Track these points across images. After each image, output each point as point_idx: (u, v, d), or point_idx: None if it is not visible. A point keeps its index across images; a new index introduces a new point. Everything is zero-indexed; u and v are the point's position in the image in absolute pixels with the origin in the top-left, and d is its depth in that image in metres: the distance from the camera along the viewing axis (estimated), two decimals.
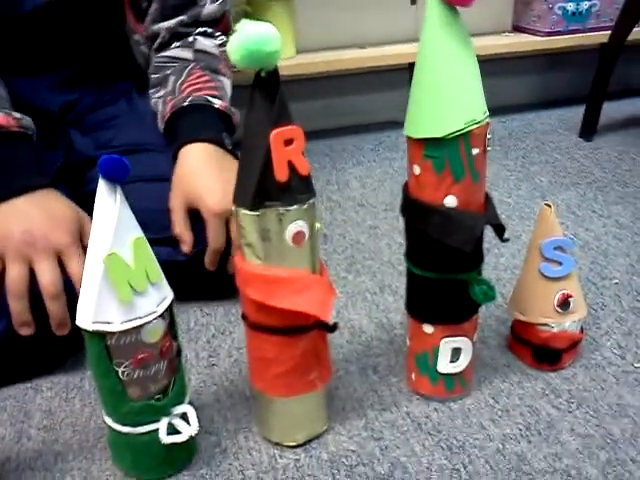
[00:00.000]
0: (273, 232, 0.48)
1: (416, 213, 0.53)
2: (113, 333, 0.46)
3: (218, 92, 0.81)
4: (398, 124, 1.45)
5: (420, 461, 0.54)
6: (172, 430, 0.51)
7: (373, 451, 0.55)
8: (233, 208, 0.50)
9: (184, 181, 0.72)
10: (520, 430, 0.57)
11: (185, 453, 0.54)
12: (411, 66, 1.37)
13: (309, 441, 0.56)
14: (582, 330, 0.65)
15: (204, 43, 0.85)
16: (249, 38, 0.43)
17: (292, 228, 0.48)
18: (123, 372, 0.48)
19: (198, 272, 0.72)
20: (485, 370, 0.64)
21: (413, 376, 0.61)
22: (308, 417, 0.56)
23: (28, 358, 0.66)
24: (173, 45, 0.85)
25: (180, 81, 0.81)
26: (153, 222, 0.70)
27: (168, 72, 0.83)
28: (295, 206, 0.48)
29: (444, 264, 0.53)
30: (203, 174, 0.71)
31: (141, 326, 0.47)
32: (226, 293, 0.78)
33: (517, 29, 1.48)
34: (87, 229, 0.63)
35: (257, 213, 0.47)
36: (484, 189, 0.53)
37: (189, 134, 0.75)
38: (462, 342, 0.58)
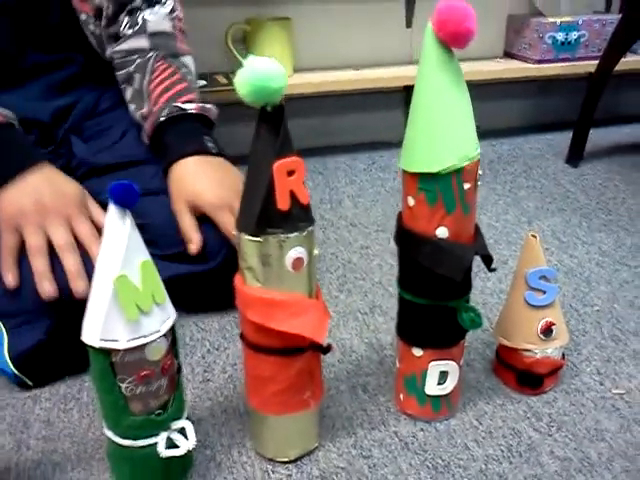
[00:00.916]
0: (274, 257, 0.50)
1: (409, 242, 0.55)
2: (119, 350, 0.48)
3: (187, 87, 0.83)
4: (391, 145, 1.49)
5: (407, 479, 0.56)
6: (170, 444, 0.53)
7: (362, 469, 0.58)
8: (235, 233, 0.52)
9: (182, 185, 0.76)
10: (502, 451, 0.59)
11: (181, 466, 0.57)
12: (406, 89, 1.41)
13: (301, 457, 0.58)
14: (563, 356, 0.68)
15: (155, 22, 0.85)
16: (256, 75, 0.46)
17: (292, 254, 0.51)
18: (126, 388, 0.50)
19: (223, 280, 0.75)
20: (470, 392, 0.67)
21: (401, 396, 0.64)
22: (301, 434, 0.58)
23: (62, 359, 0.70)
24: (124, 27, 0.85)
25: (147, 80, 0.83)
26: (164, 237, 0.74)
27: (131, 69, 0.85)
28: (295, 233, 0.50)
29: (434, 291, 0.56)
30: (198, 176, 0.76)
31: (145, 344, 0.49)
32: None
33: (508, 55, 1.52)
34: (88, 201, 0.71)
35: (259, 239, 0.50)
36: (474, 221, 0.56)
37: (175, 151, 0.79)
38: (449, 366, 0.60)
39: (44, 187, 0.68)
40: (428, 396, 0.61)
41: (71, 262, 0.65)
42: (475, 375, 0.70)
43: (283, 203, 0.49)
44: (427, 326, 0.58)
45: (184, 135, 0.79)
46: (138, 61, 0.84)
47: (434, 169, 0.51)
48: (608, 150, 1.45)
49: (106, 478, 0.57)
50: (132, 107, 0.84)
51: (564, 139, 1.43)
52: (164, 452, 0.52)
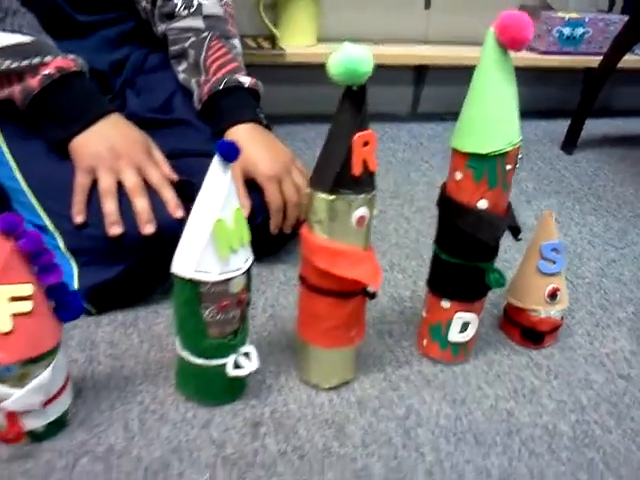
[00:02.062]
0: (342, 214, 0.59)
1: (453, 210, 0.64)
2: (208, 282, 0.57)
3: (239, 66, 0.90)
4: (398, 117, 1.57)
5: (430, 409, 0.67)
6: (236, 365, 0.62)
7: (392, 398, 0.68)
8: (308, 190, 0.60)
9: None
10: (509, 393, 0.70)
11: (238, 386, 0.66)
12: (417, 68, 1.48)
13: (339, 386, 0.68)
14: (562, 318, 0.78)
15: (209, 5, 0.92)
16: (349, 59, 0.54)
17: (357, 213, 0.59)
18: (208, 314, 0.59)
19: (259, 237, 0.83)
20: (480, 343, 0.78)
21: (425, 342, 0.74)
22: (343, 366, 0.68)
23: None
24: (179, 8, 0.92)
25: (203, 57, 0.89)
26: None
27: (186, 45, 0.91)
28: (362, 195, 0.59)
29: (469, 253, 0.66)
30: (253, 147, 0.82)
31: (230, 279, 0.57)
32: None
33: None
34: (152, 149, 0.76)
35: (332, 198, 0.58)
36: (509, 197, 0.65)
37: (231, 117, 0.85)
38: (471, 317, 0.70)
39: (116, 133, 0.74)
40: (450, 342, 0.71)
41: (141, 205, 0.71)
42: (484, 329, 0.80)
43: (357, 169, 0.57)
44: (458, 282, 0.68)
45: (240, 103, 0.86)
46: (193, 39, 0.90)
47: (484, 151, 0.60)
48: (599, 141, 1.57)
49: (172, 392, 0.66)
50: (184, 76, 0.90)
51: (559, 127, 1.53)
52: (232, 372, 0.61)
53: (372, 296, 0.65)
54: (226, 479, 0.56)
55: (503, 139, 0.60)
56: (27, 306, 0.52)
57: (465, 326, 0.71)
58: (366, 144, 0.57)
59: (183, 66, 0.91)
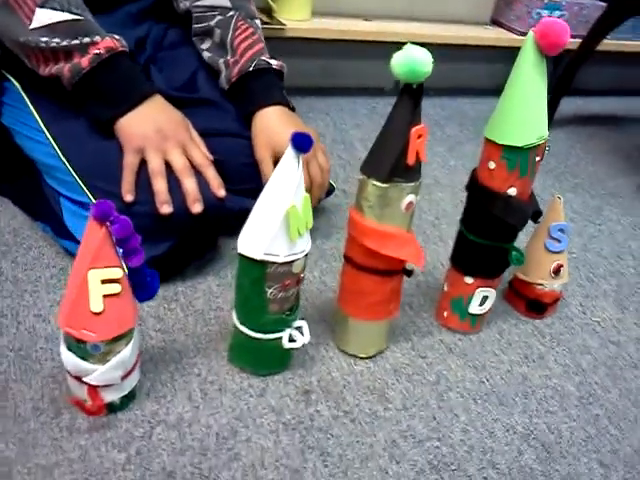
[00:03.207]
0: (393, 200, 0.64)
1: (484, 196, 0.71)
2: (275, 263, 0.61)
3: (264, 47, 0.92)
4: (383, 91, 1.62)
5: (456, 374, 0.74)
6: (290, 339, 0.67)
7: (421, 365, 0.75)
8: (361, 177, 0.65)
9: (267, 134, 0.85)
10: (521, 358, 0.79)
11: (288, 357, 0.71)
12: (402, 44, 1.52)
13: (374, 355, 0.75)
14: (561, 291, 0.87)
15: None
16: (412, 59, 0.59)
17: (407, 199, 0.65)
18: (271, 293, 0.63)
19: None
20: (489, 314, 0.86)
21: (445, 314, 0.81)
22: (379, 337, 0.74)
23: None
24: None
25: (230, 37, 0.91)
26: (239, 174, 0.84)
27: (212, 23, 0.92)
28: (412, 183, 0.64)
29: (495, 235, 0.73)
30: (283, 127, 0.85)
31: (294, 260, 0.62)
32: None
33: (495, 23, 1.67)
34: (191, 128, 0.80)
35: (386, 185, 0.63)
36: (533, 184, 0.72)
37: (261, 99, 0.87)
38: (490, 292, 0.78)
39: (161, 115, 0.76)
40: (469, 314, 0.79)
41: (190, 184, 0.73)
42: None
43: (411, 159, 0.63)
44: (482, 260, 0.75)
45: (268, 86, 0.88)
46: (219, 17, 0.91)
47: (519, 143, 0.66)
48: (568, 120, 1.67)
49: (224, 363, 0.70)
50: (209, 55, 0.91)
51: None
52: (287, 344, 0.67)
53: (410, 274, 0.71)
54: (289, 442, 0.62)
55: (536, 133, 0.66)
56: (116, 288, 0.55)
57: (484, 299, 0.78)
58: (419, 137, 0.62)
59: (207, 44, 0.92)
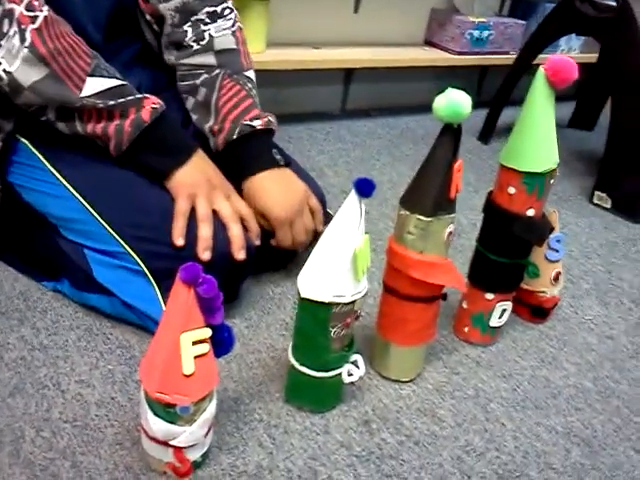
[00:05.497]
0: (437, 231, 0.69)
1: (505, 218, 0.77)
2: (340, 303, 0.63)
3: (252, 103, 0.90)
4: (332, 115, 1.67)
5: (490, 385, 0.80)
6: (348, 373, 0.70)
7: (458, 381, 0.80)
8: (402, 212, 0.69)
9: (255, 200, 0.84)
10: (538, 362, 0.85)
11: (342, 391, 0.73)
12: (348, 70, 1.59)
13: (415, 378, 0.78)
14: (559, 296, 0.95)
15: (221, 40, 0.90)
16: (455, 102, 0.63)
17: (448, 229, 0.69)
18: (334, 332, 0.65)
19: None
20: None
21: (466, 329, 0.86)
22: (419, 360, 0.78)
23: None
24: (189, 38, 0.89)
25: (215, 97, 0.88)
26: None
27: (197, 82, 0.90)
28: (452, 215, 0.69)
29: (514, 253, 0.79)
30: (268, 193, 0.84)
31: (358, 299, 0.65)
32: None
33: (429, 44, 1.77)
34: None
35: (430, 219, 0.67)
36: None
37: (248, 168, 0.86)
38: (508, 305, 0.84)
39: (208, 167, 0.80)
40: (490, 327, 0.85)
41: (237, 231, 0.76)
42: None
43: (453, 193, 0.67)
44: (503, 277, 0.81)
45: (255, 152, 0.87)
46: (205, 76, 0.89)
47: (540, 169, 0.73)
48: (509, 130, 1.79)
49: (281, 405, 0.71)
50: (195, 116, 0.90)
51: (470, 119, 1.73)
52: (347, 379, 0.69)
53: (445, 297, 0.76)
54: (368, 474, 0.64)
55: (551, 159, 0.73)
56: (205, 348, 0.55)
57: (503, 312, 0.84)
58: (458, 171, 0.67)
59: (191, 103, 0.91)
